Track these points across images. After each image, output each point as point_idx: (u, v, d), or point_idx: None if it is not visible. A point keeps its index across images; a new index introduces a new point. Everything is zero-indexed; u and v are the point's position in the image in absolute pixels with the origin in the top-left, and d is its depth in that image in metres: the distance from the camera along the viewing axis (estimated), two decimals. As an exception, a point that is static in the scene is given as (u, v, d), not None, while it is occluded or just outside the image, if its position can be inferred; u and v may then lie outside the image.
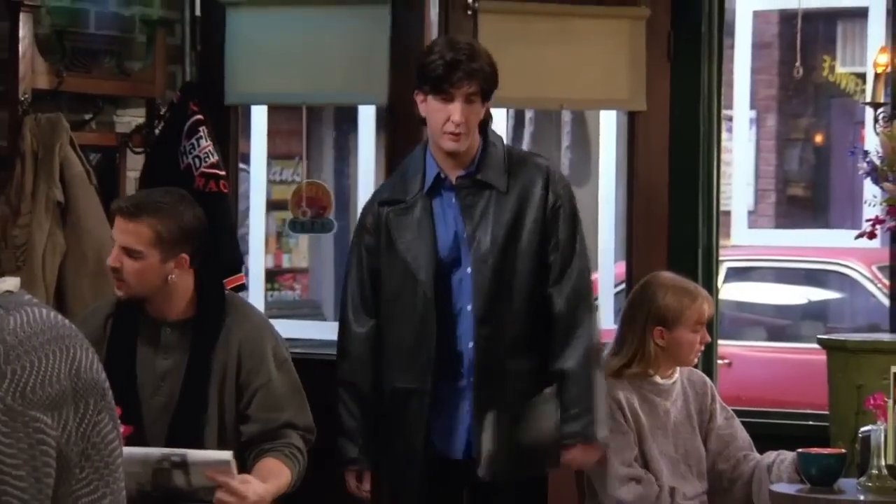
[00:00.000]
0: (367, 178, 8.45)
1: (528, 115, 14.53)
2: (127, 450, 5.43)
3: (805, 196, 15.03)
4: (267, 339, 5.82)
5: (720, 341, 10.41)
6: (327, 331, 8.42)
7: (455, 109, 5.40)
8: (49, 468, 4.05)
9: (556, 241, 5.67)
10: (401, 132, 7.69)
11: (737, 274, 12.02)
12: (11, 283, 4.28)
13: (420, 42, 7.71)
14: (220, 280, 6.12)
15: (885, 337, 7.78)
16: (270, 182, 8.70)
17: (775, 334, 11.78)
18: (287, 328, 6.70)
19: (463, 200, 5.57)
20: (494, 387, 5.64)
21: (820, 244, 12.31)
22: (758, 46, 14.41)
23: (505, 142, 5.87)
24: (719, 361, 9.80)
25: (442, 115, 5.42)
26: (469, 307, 5.59)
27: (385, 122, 7.93)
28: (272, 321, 6.12)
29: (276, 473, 5.59)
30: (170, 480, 5.40)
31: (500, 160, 5.61)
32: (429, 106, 5.47)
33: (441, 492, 5.76)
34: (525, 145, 14.27)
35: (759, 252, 12.30)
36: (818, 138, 15.68)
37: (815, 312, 11.59)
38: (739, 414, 6.86)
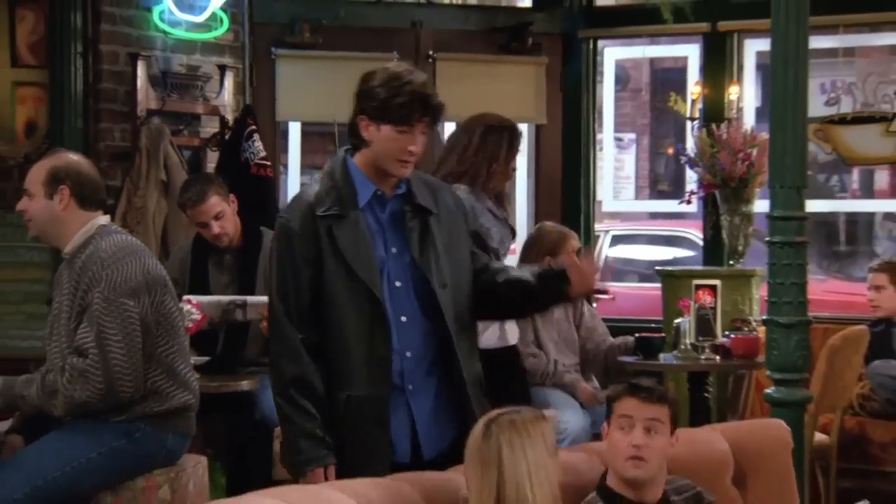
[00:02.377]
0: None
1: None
2: (208, 298, 5.85)
3: (669, 190, 15.06)
4: None
5: (610, 283, 10.67)
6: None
7: (416, 141, 3.93)
8: (136, 334, 4.58)
9: (480, 254, 4.20)
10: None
11: (621, 239, 12.11)
12: (104, 219, 4.79)
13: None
14: (258, 223, 6.19)
15: (696, 268, 8.20)
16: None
17: (645, 279, 11.83)
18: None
19: (406, 223, 4.02)
20: (461, 395, 4.05)
21: (655, 209, 12.53)
22: (635, 90, 14.76)
23: None
24: (607, 297, 10.18)
25: (398, 145, 3.93)
26: (403, 318, 3.98)
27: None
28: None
29: None
30: (232, 316, 5.77)
31: (423, 183, 4.10)
32: (382, 134, 3.94)
33: None
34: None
35: (636, 224, 12.41)
36: (671, 150, 15.78)
37: (672, 264, 11.73)
38: (614, 321, 7.28)
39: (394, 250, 4.02)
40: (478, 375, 4.11)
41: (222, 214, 6.03)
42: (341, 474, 3.93)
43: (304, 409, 3.94)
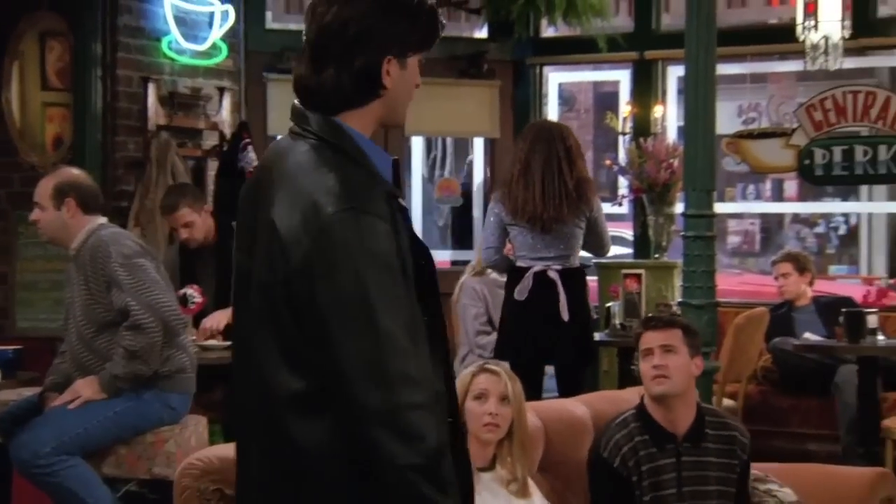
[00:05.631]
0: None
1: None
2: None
3: (607, 196, 15.16)
4: None
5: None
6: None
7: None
8: (158, 279, 4.73)
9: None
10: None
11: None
12: (103, 219, 4.86)
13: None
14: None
15: (626, 260, 8.26)
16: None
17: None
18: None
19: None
20: None
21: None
22: (582, 110, 14.83)
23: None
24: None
25: (416, 80, 2.35)
26: None
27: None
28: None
29: None
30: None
31: None
32: (409, 70, 2.33)
33: None
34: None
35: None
36: (608, 162, 15.75)
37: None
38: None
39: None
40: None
41: (191, 224, 5.94)
42: None
43: (454, 484, 2.17)
